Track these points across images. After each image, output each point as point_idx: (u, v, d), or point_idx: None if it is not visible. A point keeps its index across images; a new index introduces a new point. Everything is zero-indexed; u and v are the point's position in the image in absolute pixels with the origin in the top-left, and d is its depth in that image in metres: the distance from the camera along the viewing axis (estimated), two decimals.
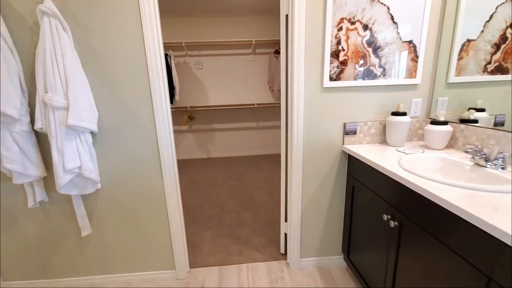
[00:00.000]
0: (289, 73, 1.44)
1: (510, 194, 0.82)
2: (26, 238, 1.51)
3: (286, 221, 1.74)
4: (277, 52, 3.84)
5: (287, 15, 1.42)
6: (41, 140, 1.35)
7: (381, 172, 1.16)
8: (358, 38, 1.36)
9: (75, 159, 1.23)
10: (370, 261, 1.32)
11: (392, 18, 1.35)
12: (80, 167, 1.26)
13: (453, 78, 1.38)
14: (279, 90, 3.96)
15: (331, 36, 1.35)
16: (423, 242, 0.93)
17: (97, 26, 1.27)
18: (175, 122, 4.12)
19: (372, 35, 1.36)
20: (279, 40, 3.77)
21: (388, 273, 1.15)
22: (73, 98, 1.18)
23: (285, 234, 1.77)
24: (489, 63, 1.21)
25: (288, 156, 1.58)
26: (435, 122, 1.32)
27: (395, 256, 1.09)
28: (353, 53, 1.38)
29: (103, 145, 1.40)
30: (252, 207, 2.55)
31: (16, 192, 1.43)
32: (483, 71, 1.24)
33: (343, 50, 1.37)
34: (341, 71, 1.40)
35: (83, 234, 1.44)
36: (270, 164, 3.90)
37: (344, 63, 1.39)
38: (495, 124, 1.17)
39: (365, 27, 1.35)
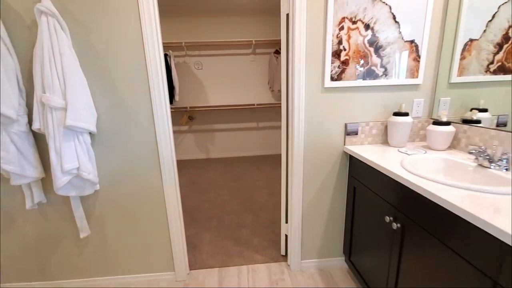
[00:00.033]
0: (289, 73, 1.42)
1: None
2: (24, 239, 1.50)
3: (286, 222, 1.73)
4: (277, 52, 3.83)
5: (287, 14, 1.41)
6: (39, 141, 1.34)
7: (383, 173, 1.15)
8: (359, 37, 1.35)
9: (73, 160, 1.22)
10: (372, 263, 1.31)
11: (394, 18, 1.34)
12: (78, 168, 1.24)
13: (455, 78, 1.36)
14: (279, 90, 3.95)
15: (332, 35, 1.34)
16: (426, 244, 0.92)
17: (97, 26, 1.26)
18: (175, 122, 4.11)
19: (373, 35, 1.35)
20: (279, 40, 3.78)
21: (391, 275, 1.13)
22: (71, 98, 1.17)
23: (286, 236, 1.75)
24: (492, 63, 1.20)
25: (289, 156, 1.56)
26: (437, 123, 1.31)
27: (398, 258, 1.08)
28: (354, 52, 1.36)
29: (102, 145, 1.39)
30: (252, 208, 2.53)
31: (14, 194, 1.41)
32: (486, 71, 1.23)
33: (345, 49, 1.36)
34: (342, 71, 1.39)
35: (82, 235, 1.43)
36: (271, 164, 3.89)
37: (345, 63, 1.38)
38: (498, 125, 1.16)
39: (367, 27, 1.33)
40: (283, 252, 1.81)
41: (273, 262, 1.75)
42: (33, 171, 1.29)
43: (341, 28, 1.33)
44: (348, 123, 1.46)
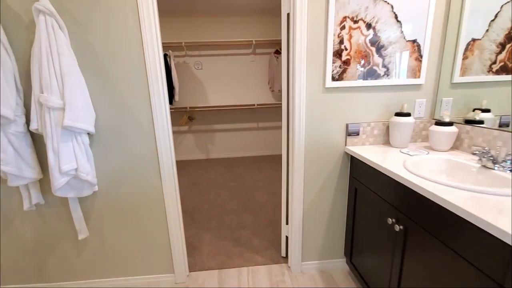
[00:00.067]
0: (290, 73, 1.41)
1: None
2: (22, 241, 1.48)
3: (287, 223, 1.71)
4: (278, 52, 3.82)
5: (288, 14, 1.39)
6: (37, 141, 1.33)
7: (385, 174, 1.13)
8: (361, 37, 1.33)
9: (72, 161, 1.21)
10: (373, 265, 1.29)
11: (396, 17, 1.32)
12: (76, 169, 1.23)
13: (457, 78, 1.35)
14: (279, 91, 3.94)
15: (334, 35, 1.32)
16: (429, 246, 0.90)
17: (95, 26, 1.24)
18: (175, 122, 4.10)
19: (375, 34, 1.33)
20: (280, 40, 3.78)
21: (393, 278, 1.12)
22: (69, 98, 1.15)
23: (286, 237, 1.74)
24: (494, 62, 1.19)
25: (290, 157, 1.55)
26: (440, 123, 1.29)
27: (400, 260, 1.06)
28: (356, 52, 1.35)
29: (100, 146, 1.38)
30: (252, 208, 2.52)
31: (11, 195, 1.40)
32: (488, 71, 1.22)
33: (346, 49, 1.35)
34: (344, 71, 1.38)
35: (80, 237, 1.41)
36: (271, 165, 3.87)
37: (346, 62, 1.36)
38: (500, 125, 1.15)
39: (368, 26, 1.32)
40: (283, 254, 1.80)
41: (274, 263, 1.74)
42: (30, 172, 1.27)
43: (343, 28, 1.32)
44: (349, 123, 1.45)
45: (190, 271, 1.69)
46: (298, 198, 1.54)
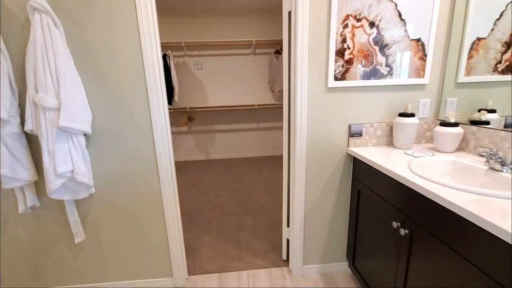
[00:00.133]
0: (292, 72, 1.38)
1: None
2: (17, 244, 1.45)
3: (288, 226, 1.68)
4: (278, 52, 3.79)
5: (289, 12, 1.36)
6: (32, 142, 1.29)
7: (389, 176, 1.10)
8: (364, 35, 1.30)
9: (67, 163, 1.17)
10: (377, 269, 1.26)
11: (400, 15, 1.29)
12: (72, 171, 1.20)
13: (462, 78, 1.32)
14: (279, 91, 3.91)
15: (336, 34, 1.29)
16: (436, 251, 0.87)
17: (93, 25, 1.21)
18: (174, 123, 4.07)
19: (379, 33, 1.30)
20: (280, 40, 3.75)
21: (398, 283, 1.09)
22: (65, 98, 1.12)
23: (287, 240, 1.71)
24: (500, 62, 1.17)
25: (291, 158, 1.52)
26: (445, 124, 1.26)
27: (406, 264, 1.03)
28: (359, 51, 1.32)
29: (98, 147, 1.35)
30: (252, 210, 2.48)
31: (6, 197, 1.37)
32: (493, 71, 1.20)
33: (349, 48, 1.32)
34: (346, 70, 1.35)
35: (77, 241, 1.38)
36: (271, 165, 3.84)
37: (349, 62, 1.33)
38: (505, 126, 1.13)
39: (372, 25, 1.29)
40: (284, 257, 1.77)
41: (274, 267, 1.71)
42: (25, 174, 1.24)
43: (345, 26, 1.29)
44: (352, 124, 1.42)
45: (189, 275, 1.66)
46: (299, 200, 1.51)
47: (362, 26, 1.29)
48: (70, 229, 1.43)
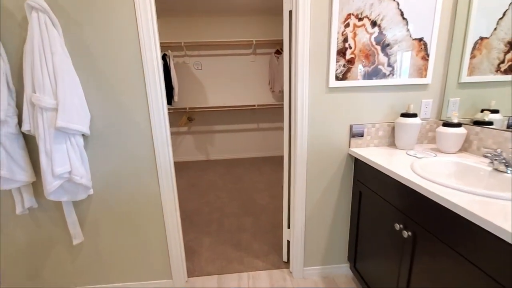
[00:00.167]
0: (292, 72, 1.37)
1: None
2: (15, 246, 1.43)
3: (288, 227, 1.66)
4: (278, 52, 3.78)
5: (290, 11, 1.35)
6: (30, 143, 1.28)
7: (391, 178, 1.08)
8: (366, 35, 1.29)
9: (65, 164, 1.16)
10: (379, 271, 1.24)
11: (402, 14, 1.28)
12: (70, 172, 1.18)
13: (465, 78, 1.31)
14: (280, 91, 3.90)
15: (338, 33, 1.28)
16: (439, 253, 0.86)
17: (92, 24, 1.20)
18: (174, 123, 4.05)
19: (380, 32, 1.29)
20: (280, 40, 3.73)
21: (400, 285, 1.07)
22: (63, 98, 1.11)
23: (288, 241, 1.69)
24: (503, 62, 1.16)
25: (292, 159, 1.50)
26: (447, 124, 1.25)
27: (408, 267, 1.01)
28: (360, 51, 1.31)
29: (96, 147, 1.33)
30: (252, 211, 2.47)
31: (3, 198, 1.35)
32: (496, 71, 1.19)
33: (350, 47, 1.30)
34: (348, 70, 1.33)
35: (75, 242, 1.36)
36: (271, 166, 3.83)
37: (351, 61, 1.32)
38: (508, 126, 1.11)
39: (374, 24, 1.28)
40: (285, 259, 1.75)
41: (275, 268, 1.69)
42: (23, 175, 1.22)
43: (347, 25, 1.27)
44: (353, 124, 1.40)
45: (188, 277, 1.64)
46: (300, 201, 1.50)
47: (363, 25, 1.28)
48: (69, 230, 1.41)
